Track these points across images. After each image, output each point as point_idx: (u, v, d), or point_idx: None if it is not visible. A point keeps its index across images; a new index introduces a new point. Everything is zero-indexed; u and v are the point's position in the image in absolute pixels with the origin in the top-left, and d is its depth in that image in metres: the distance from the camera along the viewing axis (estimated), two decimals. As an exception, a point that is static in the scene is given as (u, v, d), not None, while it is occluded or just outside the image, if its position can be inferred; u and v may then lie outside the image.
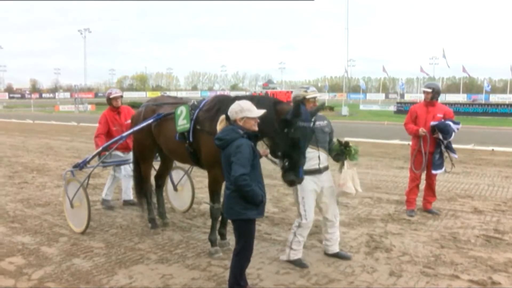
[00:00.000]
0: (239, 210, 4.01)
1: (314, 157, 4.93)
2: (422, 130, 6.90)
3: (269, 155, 4.76)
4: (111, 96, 7.58)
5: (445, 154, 7.08)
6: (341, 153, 5.07)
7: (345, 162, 5.09)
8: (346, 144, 5.08)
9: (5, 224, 6.71)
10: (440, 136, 6.86)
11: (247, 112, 4.09)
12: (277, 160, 4.74)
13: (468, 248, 5.62)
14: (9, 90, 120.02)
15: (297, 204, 5.06)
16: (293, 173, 4.42)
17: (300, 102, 4.57)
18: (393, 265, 5.08)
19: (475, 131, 21.59)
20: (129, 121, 7.48)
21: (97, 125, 7.67)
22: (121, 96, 7.77)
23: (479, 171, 10.99)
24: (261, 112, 4.18)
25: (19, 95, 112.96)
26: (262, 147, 4.80)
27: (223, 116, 4.25)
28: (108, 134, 7.46)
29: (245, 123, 4.09)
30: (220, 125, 4.24)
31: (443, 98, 77.26)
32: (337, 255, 5.30)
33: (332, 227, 5.25)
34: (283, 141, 4.43)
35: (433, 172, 7.02)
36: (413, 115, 7.21)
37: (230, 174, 3.94)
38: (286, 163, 4.44)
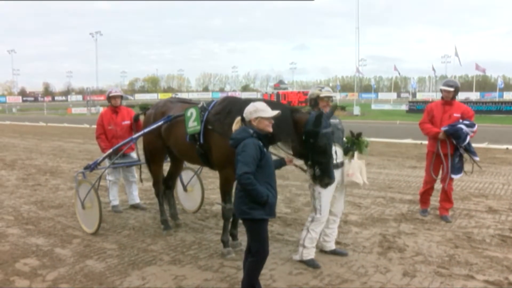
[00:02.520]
0: (245, 210, 4.03)
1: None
2: (442, 134, 6.51)
3: (295, 162, 4.92)
4: (110, 95, 7.55)
5: (465, 157, 6.67)
6: (352, 144, 5.15)
7: (355, 154, 5.15)
8: (358, 136, 5.15)
9: (19, 226, 6.78)
10: (454, 141, 6.49)
11: (261, 112, 4.12)
12: (302, 164, 4.92)
13: (483, 248, 5.55)
14: (23, 93, 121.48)
15: (313, 198, 5.11)
16: (327, 176, 4.62)
17: (315, 100, 5.03)
18: (406, 265, 5.04)
19: (489, 129, 21.35)
20: (127, 122, 7.50)
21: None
22: (121, 97, 7.71)
23: (493, 170, 10.86)
24: (275, 112, 4.20)
25: (32, 98, 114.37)
26: (286, 155, 4.90)
27: (239, 118, 4.29)
28: (104, 133, 7.49)
29: (259, 124, 4.11)
30: (235, 126, 4.28)
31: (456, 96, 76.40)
32: (334, 252, 5.37)
33: (334, 223, 5.36)
34: (310, 151, 4.59)
35: (452, 176, 6.63)
36: (430, 114, 6.81)
37: None
38: (318, 170, 4.61)
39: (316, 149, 4.55)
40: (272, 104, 4.72)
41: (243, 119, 4.22)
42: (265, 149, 4.09)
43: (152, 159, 6.54)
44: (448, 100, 6.70)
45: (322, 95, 5.10)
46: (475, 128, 6.48)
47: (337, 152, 5.04)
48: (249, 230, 4.16)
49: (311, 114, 4.63)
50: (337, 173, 5.07)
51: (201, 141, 5.41)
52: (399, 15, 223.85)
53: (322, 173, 4.61)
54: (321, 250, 5.38)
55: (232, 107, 5.21)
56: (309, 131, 4.55)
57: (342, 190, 5.27)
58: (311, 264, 5.03)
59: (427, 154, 6.98)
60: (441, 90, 6.78)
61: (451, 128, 6.48)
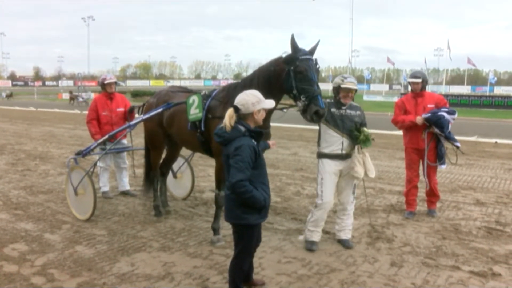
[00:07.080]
0: (240, 214, 3.66)
1: (338, 142, 5.06)
2: (419, 119, 6.17)
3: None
4: (105, 82, 7.46)
5: (446, 146, 6.45)
6: (355, 137, 5.14)
7: (356, 147, 5.15)
8: (359, 130, 5.14)
9: (8, 211, 6.75)
10: (436, 130, 6.21)
11: (263, 103, 3.70)
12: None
13: (469, 239, 5.62)
14: (12, 77, 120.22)
15: (316, 184, 5.26)
16: (314, 104, 4.50)
17: (336, 89, 5.11)
18: (394, 255, 5.10)
19: (478, 123, 21.51)
20: (121, 108, 7.47)
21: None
22: (116, 83, 7.66)
23: (482, 163, 10.97)
24: (274, 103, 3.94)
25: (22, 83, 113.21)
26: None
27: (231, 109, 3.67)
28: (97, 119, 7.42)
29: (260, 116, 3.72)
30: (230, 120, 3.63)
31: (447, 89, 76.88)
32: (339, 242, 5.42)
33: (343, 213, 5.38)
34: (293, 80, 4.55)
35: (441, 167, 6.48)
36: (402, 108, 6.49)
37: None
38: (304, 98, 4.54)
39: (298, 75, 4.53)
40: (260, 68, 4.95)
41: (236, 110, 3.66)
42: (259, 149, 3.69)
43: (152, 146, 6.53)
44: (418, 92, 6.42)
45: (342, 85, 5.07)
46: (456, 115, 6.24)
47: (343, 143, 5.07)
48: (240, 234, 3.81)
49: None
50: (342, 164, 5.14)
51: (202, 128, 5.41)
52: (396, 6, 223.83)
53: (309, 100, 4.51)
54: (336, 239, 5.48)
55: (234, 94, 5.20)
56: (287, 59, 4.51)
57: (348, 180, 5.24)
58: (308, 246, 5.18)
59: (405, 151, 6.69)
60: (409, 83, 6.51)
61: (433, 116, 6.16)
